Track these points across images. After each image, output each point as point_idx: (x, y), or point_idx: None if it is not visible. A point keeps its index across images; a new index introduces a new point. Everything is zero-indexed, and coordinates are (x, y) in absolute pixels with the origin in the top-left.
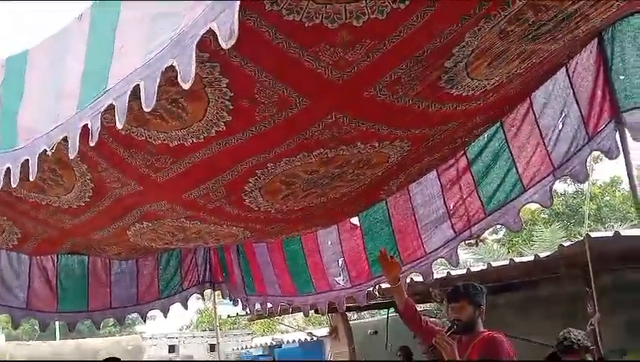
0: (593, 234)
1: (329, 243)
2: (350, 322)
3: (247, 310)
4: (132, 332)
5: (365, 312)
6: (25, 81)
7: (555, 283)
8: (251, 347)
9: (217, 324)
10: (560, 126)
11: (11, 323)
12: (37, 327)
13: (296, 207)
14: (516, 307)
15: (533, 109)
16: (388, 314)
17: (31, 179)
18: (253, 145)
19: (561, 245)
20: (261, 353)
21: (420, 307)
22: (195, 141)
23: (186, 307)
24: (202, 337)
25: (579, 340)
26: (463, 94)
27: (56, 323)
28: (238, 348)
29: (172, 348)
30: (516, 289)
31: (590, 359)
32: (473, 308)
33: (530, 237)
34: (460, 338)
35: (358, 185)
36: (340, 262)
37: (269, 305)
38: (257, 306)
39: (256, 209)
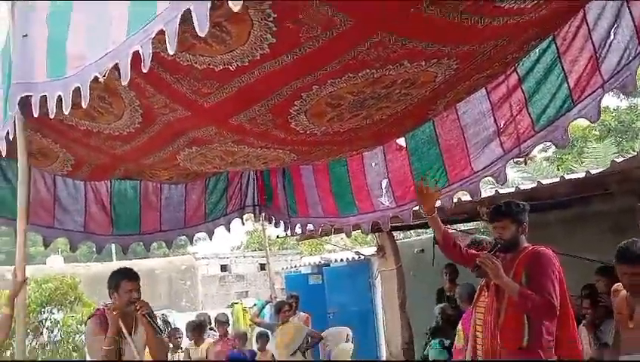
0: None
1: (374, 164)
2: (397, 241)
3: (289, 232)
4: (185, 252)
5: (412, 231)
6: (72, 10)
7: (606, 199)
8: (300, 266)
9: (267, 244)
10: (612, 37)
11: (70, 245)
12: (94, 250)
13: (342, 129)
14: (566, 224)
15: (586, 21)
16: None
17: (84, 105)
18: (298, 68)
19: (613, 160)
20: (310, 271)
21: (467, 225)
22: (239, 65)
23: (229, 230)
24: (253, 257)
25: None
26: (515, 7)
27: (112, 245)
28: (287, 267)
29: (224, 268)
30: (566, 207)
31: None
32: (516, 225)
33: (581, 154)
34: (505, 256)
35: (405, 106)
36: (385, 183)
37: (310, 227)
38: (298, 229)
39: (302, 132)
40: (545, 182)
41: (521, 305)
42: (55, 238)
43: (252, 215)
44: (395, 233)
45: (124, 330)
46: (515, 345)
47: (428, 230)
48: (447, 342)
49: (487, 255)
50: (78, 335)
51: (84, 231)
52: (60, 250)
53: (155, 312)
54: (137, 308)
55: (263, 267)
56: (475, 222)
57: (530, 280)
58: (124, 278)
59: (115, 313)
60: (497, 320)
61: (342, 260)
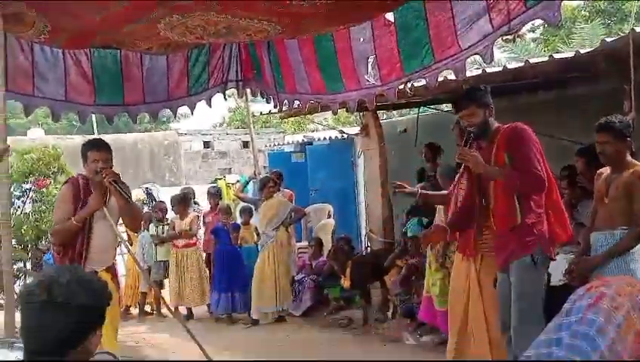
0: (639, 29)
1: (361, 40)
2: (380, 121)
3: (278, 108)
4: (167, 128)
5: (395, 112)
6: None
7: (593, 81)
8: (283, 144)
9: (250, 121)
10: None
11: (51, 115)
12: (75, 123)
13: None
14: (550, 106)
15: None
16: (418, 112)
17: None
18: None
19: (603, 40)
20: (293, 150)
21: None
22: None
23: (210, 105)
24: (235, 135)
25: (620, 122)
26: None
27: (94, 118)
28: (270, 145)
29: (206, 144)
30: (552, 88)
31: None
32: (482, 109)
33: (569, 36)
34: (479, 144)
35: None
36: (372, 60)
37: (297, 103)
38: (286, 104)
39: (287, 1)
40: (533, 61)
41: (510, 186)
42: (36, 107)
43: (235, 90)
44: (379, 113)
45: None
46: (508, 225)
47: (412, 110)
48: (425, 221)
49: (463, 150)
50: None
51: (65, 100)
52: (40, 123)
53: (142, 186)
54: (104, 175)
55: (245, 145)
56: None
57: (514, 158)
58: (91, 148)
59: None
60: (488, 206)
61: (325, 139)
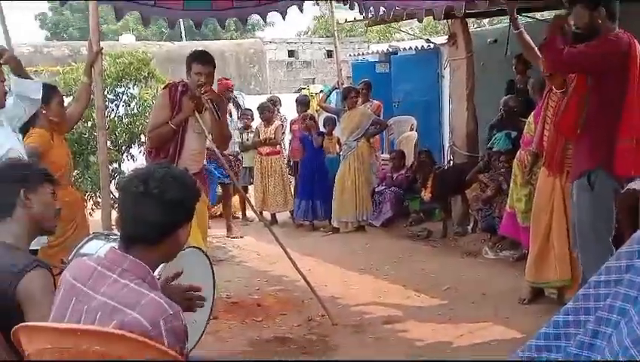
0: None
1: None
2: (470, 30)
3: (363, 15)
4: (253, 37)
5: (486, 21)
6: None
7: None
8: (368, 53)
9: (335, 30)
10: None
11: (141, 19)
12: (165, 30)
13: None
14: None
15: None
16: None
17: None
18: None
19: None
20: (377, 60)
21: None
22: None
23: (301, 10)
24: (320, 44)
25: None
26: None
27: (182, 25)
28: (354, 55)
29: (291, 53)
30: None
31: None
32: (589, 10)
33: None
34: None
35: None
36: None
37: (382, 10)
38: (371, 11)
39: None
40: None
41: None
42: (127, 11)
43: None
44: (468, 21)
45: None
46: (568, 134)
47: (503, 18)
48: (513, 134)
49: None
50: None
51: (154, 4)
52: (131, 28)
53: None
54: (202, 91)
55: (330, 54)
56: (555, 11)
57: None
58: (194, 60)
59: (191, 100)
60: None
61: (410, 48)
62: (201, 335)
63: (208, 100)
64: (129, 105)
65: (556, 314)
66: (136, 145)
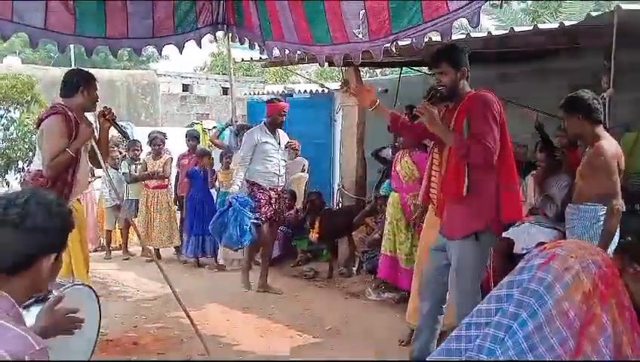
0: (624, 6)
1: None
2: (362, 79)
3: (266, 55)
4: (147, 68)
5: (378, 71)
6: None
7: (575, 54)
8: (263, 94)
9: (231, 67)
10: None
11: (30, 42)
12: (52, 54)
13: None
14: (530, 77)
15: None
16: (400, 73)
17: None
18: None
19: (589, 14)
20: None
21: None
22: None
23: (200, 45)
24: (215, 80)
25: (589, 98)
26: None
27: (72, 50)
28: (250, 94)
29: (186, 87)
30: (534, 59)
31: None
32: (455, 70)
33: (558, 8)
34: (447, 105)
35: None
36: (362, 14)
37: (287, 52)
38: (276, 52)
39: None
40: (517, 29)
41: (457, 152)
42: (13, 33)
43: (222, 33)
44: (361, 70)
45: (95, 135)
46: (454, 195)
47: (395, 70)
48: None
49: (424, 102)
50: (34, 135)
51: (44, 27)
52: (17, 51)
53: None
54: (105, 113)
55: (225, 91)
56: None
57: (470, 125)
58: (94, 78)
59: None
60: (442, 172)
61: (305, 92)
62: None
63: (111, 120)
64: (7, 130)
65: (430, 356)
66: (12, 171)
